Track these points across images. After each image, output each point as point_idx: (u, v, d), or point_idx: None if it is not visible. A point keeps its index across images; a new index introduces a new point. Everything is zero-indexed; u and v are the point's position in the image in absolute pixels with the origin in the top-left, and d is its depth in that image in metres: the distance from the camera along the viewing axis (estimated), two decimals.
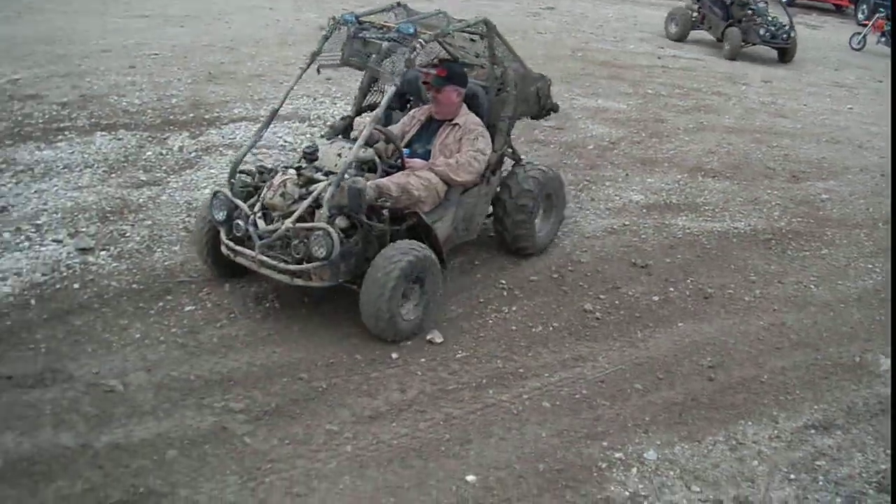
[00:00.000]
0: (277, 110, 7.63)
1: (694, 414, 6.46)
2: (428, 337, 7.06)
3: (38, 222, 8.50)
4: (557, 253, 8.87)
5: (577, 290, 8.13)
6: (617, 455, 5.90)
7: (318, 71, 7.57)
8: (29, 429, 5.64)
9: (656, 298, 8.13)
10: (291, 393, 6.22)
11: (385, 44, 7.21)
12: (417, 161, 7.65)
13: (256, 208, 6.97)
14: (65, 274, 7.54)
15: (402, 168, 7.48)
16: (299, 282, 6.77)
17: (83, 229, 8.40)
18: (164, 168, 10.26)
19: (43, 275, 7.50)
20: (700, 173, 11.92)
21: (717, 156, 12.82)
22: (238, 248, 6.95)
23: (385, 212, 7.01)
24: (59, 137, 11.00)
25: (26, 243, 8.06)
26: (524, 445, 5.90)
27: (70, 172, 9.87)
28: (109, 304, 7.16)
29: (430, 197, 7.41)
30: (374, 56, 7.28)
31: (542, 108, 9.10)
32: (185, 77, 14.52)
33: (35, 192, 9.26)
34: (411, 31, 7.02)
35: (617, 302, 7.98)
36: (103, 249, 8.02)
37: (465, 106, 8.02)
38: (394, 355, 6.79)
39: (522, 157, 9.04)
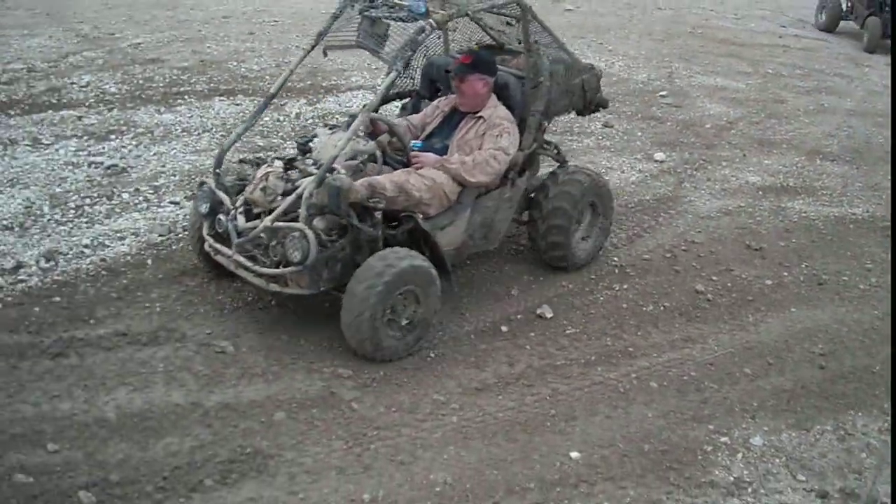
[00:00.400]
0: (274, 95, 7.08)
1: (803, 402, 6.34)
2: (538, 311, 7.05)
3: (157, 184, 8.72)
4: (671, 233, 8.77)
5: (689, 271, 8.03)
6: (723, 439, 5.83)
7: (325, 53, 7.14)
8: (141, 385, 5.79)
9: (769, 282, 7.98)
10: (399, 361, 6.26)
11: (390, 24, 6.71)
12: (428, 156, 6.82)
13: (239, 203, 6.44)
14: (181, 235, 7.70)
15: (407, 164, 6.78)
16: (275, 287, 6.20)
17: None
18: (280, 134, 10.40)
19: (160, 235, 7.68)
20: (819, 156, 11.65)
21: (836, 139, 12.51)
22: (217, 245, 6.48)
23: (378, 214, 6.27)
24: (179, 101, 11.25)
25: (144, 204, 8.27)
26: (629, 425, 5.87)
27: (189, 136, 10.09)
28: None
29: (435, 199, 6.58)
30: (380, 37, 6.76)
31: (589, 102, 7.99)
32: (304, 44, 14.45)
33: (154, 154, 9.49)
34: (422, 10, 6.32)
35: (729, 284, 7.86)
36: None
37: (494, 98, 7.16)
38: (503, 328, 6.80)
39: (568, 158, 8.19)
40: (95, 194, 8.38)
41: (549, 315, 7.03)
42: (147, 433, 5.37)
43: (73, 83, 11.82)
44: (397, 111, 8.23)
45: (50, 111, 10.74)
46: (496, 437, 5.60)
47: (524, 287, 7.44)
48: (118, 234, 7.66)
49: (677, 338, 6.97)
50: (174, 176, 8.93)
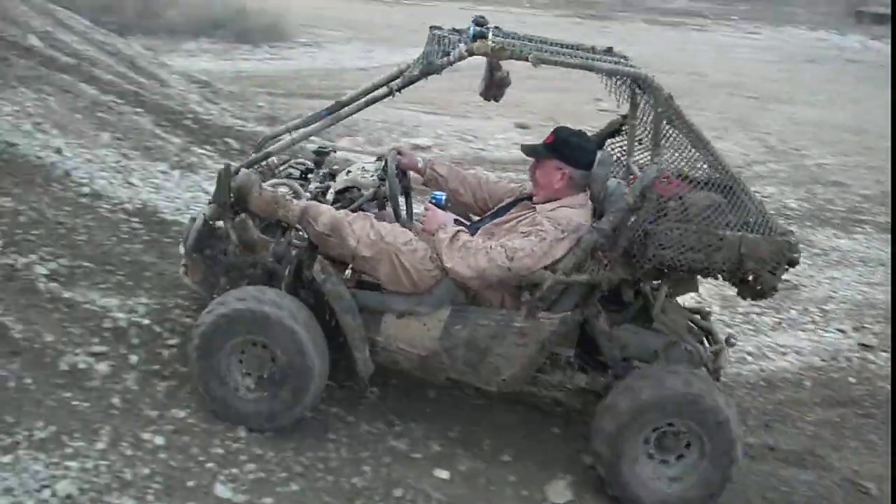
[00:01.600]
0: (345, 103, 5.49)
1: None
2: None
3: (826, 308, 8.78)
4: None
5: None
6: None
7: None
8: (782, 501, 5.83)
9: None
10: None
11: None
12: (436, 213, 5.35)
13: None
14: (843, 365, 7.69)
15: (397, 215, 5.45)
16: (180, 273, 5.51)
17: (868, 325, 8.52)
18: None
19: (822, 360, 7.73)
20: None
21: None
22: None
23: (293, 248, 5.21)
24: (857, 229, 11.23)
25: (811, 325, 8.37)
26: None
27: (864, 266, 10.04)
28: (881, 406, 7.09)
29: (382, 263, 5.03)
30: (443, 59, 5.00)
31: (747, 273, 5.03)
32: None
33: (827, 277, 9.54)
34: (472, 33, 4.95)
35: None
36: (883, 350, 8.03)
37: (580, 197, 5.28)
38: None
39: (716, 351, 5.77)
40: (764, 305, 8.53)
41: None
42: None
43: (756, 191, 12.18)
44: None
45: None
46: None
47: None
48: (781, 349, 7.80)
49: None
50: (844, 303, 8.94)
